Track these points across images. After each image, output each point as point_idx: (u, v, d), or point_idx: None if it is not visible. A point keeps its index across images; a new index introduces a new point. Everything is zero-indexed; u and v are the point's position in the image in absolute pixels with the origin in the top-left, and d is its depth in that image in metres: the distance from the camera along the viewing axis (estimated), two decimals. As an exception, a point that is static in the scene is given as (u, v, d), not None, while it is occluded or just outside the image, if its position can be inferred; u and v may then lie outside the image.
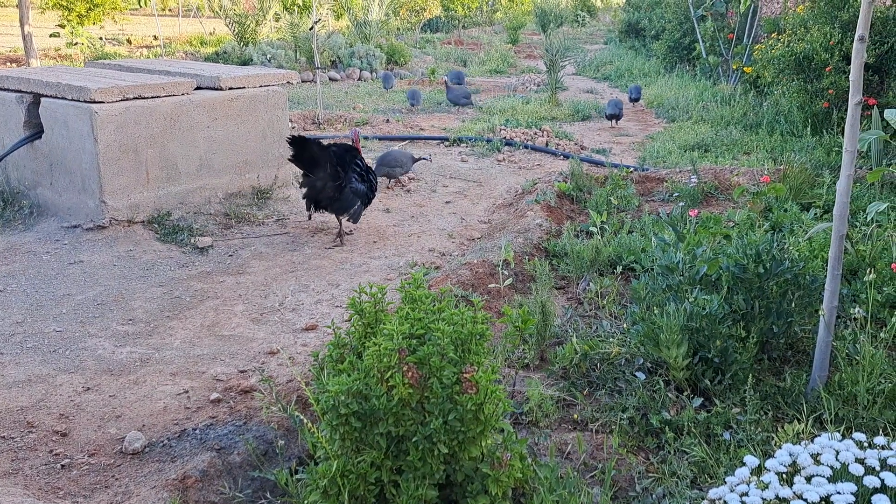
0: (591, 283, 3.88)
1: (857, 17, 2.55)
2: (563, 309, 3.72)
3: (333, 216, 4.97)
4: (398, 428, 1.95)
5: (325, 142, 4.95)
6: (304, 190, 4.84)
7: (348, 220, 4.90)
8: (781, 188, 4.65)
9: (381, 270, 4.42)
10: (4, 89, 4.96)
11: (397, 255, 4.74)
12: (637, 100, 9.98)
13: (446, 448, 1.93)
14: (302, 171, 4.79)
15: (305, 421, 1.91)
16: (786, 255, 3.12)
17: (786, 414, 2.71)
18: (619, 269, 4.06)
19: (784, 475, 1.94)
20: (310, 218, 5.26)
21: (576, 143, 7.88)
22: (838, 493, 1.78)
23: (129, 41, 15.80)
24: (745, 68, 9.43)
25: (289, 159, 4.77)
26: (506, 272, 3.97)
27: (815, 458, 1.95)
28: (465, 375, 1.99)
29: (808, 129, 7.09)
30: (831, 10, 6.97)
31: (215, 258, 4.45)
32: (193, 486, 2.19)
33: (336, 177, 4.68)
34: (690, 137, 7.74)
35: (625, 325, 3.41)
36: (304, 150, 4.67)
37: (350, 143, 5.21)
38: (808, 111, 7.21)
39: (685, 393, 2.82)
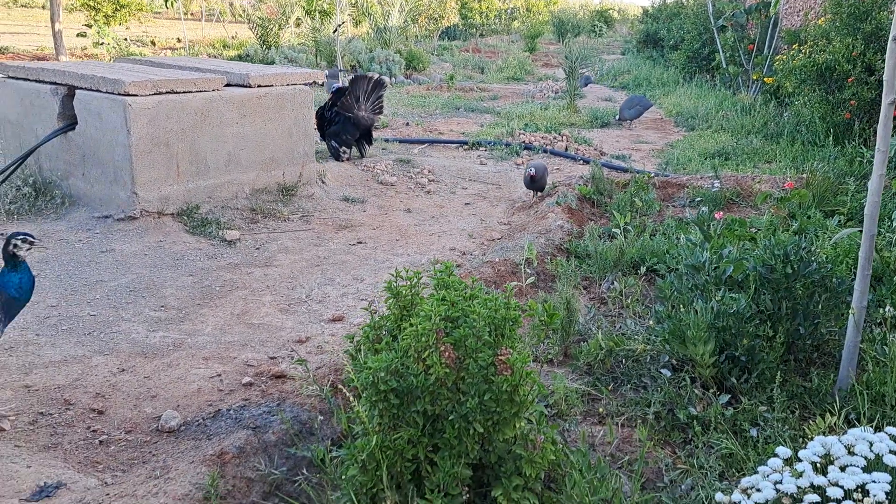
0: (615, 283, 3.91)
1: (880, 30, 2.59)
2: (586, 308, 3.75)
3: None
4: (434, 406, 1.99)
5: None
6: (347, 131, 6.51)
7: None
8: (806, 194, 4.66)
9: (404, 267, 4.46)
10: (40, 81, 5.06)
11: (419, 253, 4.78)
12: (588, 83, 10.51)
13: (482, 427, 1.96)
14: (345, 111, 6.50)
15: (348, 395, 1.95)
16: (813, 258, 3.13)
17: (812, 413, 2.72)
18: (643, 270, 4.09)
19: (817, 465, 1.96)
20: (362, 155, 6.78)
21: (595, 149, 7.91)
22: (874, 481, 1.80)
23: (153, 43, 16.02)
24: (765, 78, 9.44)
25: (341, 101, 6.49)
26: (528, 271, 4.00)
27: (849, 448, 1.97)
28: (500, 358, 2.02)
29: (830, 139, 7.09)
30: (854, 22, 6.99)
31: (243, 251, 4.52)
32: (231, 462, 2.24)
33: (374, 110, 6.64)
34: (710, 145, 7.75)
35: (649, 324, 3.44)
36: (356, 87, 6.52)
37: None
38: (830, 121, 7.22)
39: (711, 390, 2.84)
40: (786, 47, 9.09)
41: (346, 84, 6.79)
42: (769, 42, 10.30)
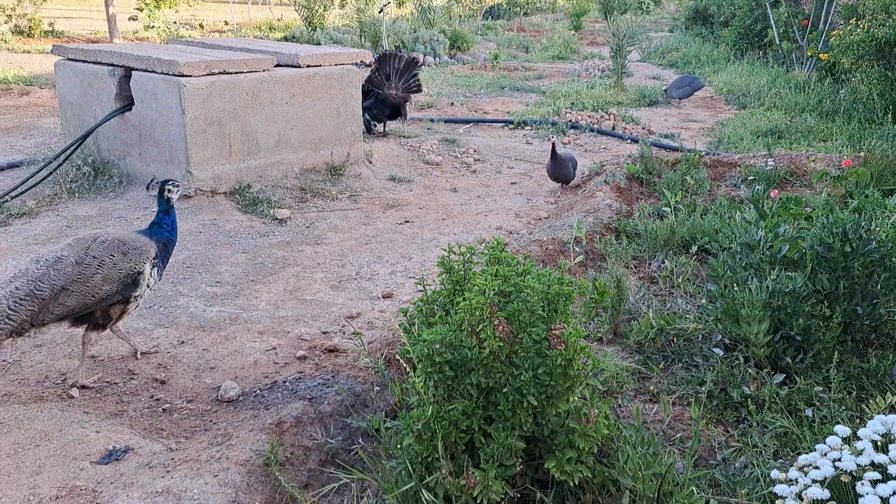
0: (665, 262, 3.87)
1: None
2: (636, 287, 3.72)
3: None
4: (488, 379, 2.01)
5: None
6: (377, 107, 6.67)
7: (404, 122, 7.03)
8: (864, 172, 4.52)
9: (456, 244, 4.49)
10: (97, 63, 5.21)
11: (465, 232, 4.80)
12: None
13: (535, 400, 1.98)
14: (375, 88, 6.67)
15: (404, 367, 1.99)
16: (873, 236, 3.05)
17: (870, 394, 2.67)
18: (694, 249, 4.04)
19: (877, 444, 1.92)
20: (384, 132, 6.86)
21: (643, 128, 7.80)
22: (937, 460, 1.76)
23: (201, 26, 16.29)
24: (820, 55, 9.13)
25: (370, 77, 6.57)
26: (577, 249, 3.99)
27: (911, 427, 1.93)
28: (554, 332, 2.03)
29: (889, 116, 6.85)
30: (917, -6, 6.71)
31: (293, 229, 4.60)
32: (289, 431, 2.31)
33: (407, 89, 6.77)
34: (763, 124, 7.56)
35: (701, 303, 3.40)
36: (384, 65, 6.69)
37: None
38: (889, 98, 6.97)
39: (765, 370, 2.80)
40: (842, 22, 8.77)
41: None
42: (825, 17, 9.94)
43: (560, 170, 5.59)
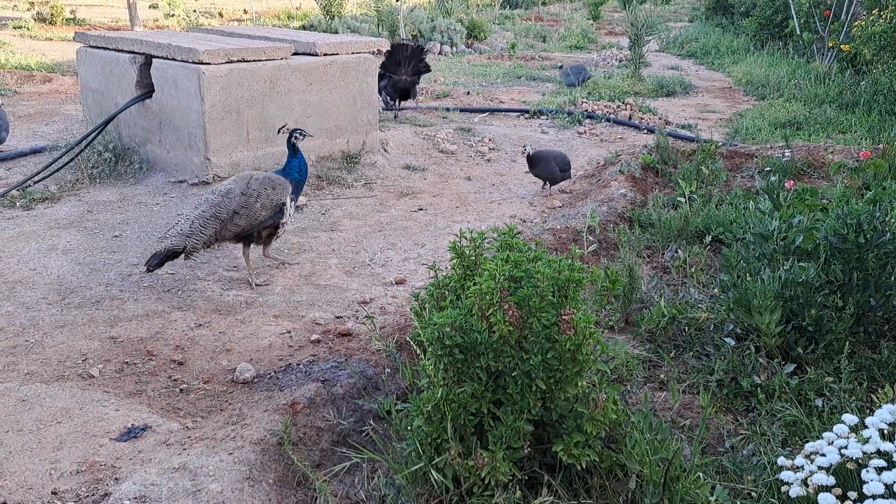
0: (679, 251, 3.87)
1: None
2: (648, 276, 3.73)
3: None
4: (498, 363, 2.04)
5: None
6: (389, 89, 7.49)
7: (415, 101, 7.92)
8: (882, 164, 4.49)
9: (468, 229, 4.51)
10: (118, 50, 5.27)
11: (479, 220, 4.83)
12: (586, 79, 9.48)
13: (544, 384, 2.01)
14: (388, 72, 7.43)
15: (416, 350, 2.02)
16: (888, 228, 3.03)
17: (882, 386, 2.67)
18: (708, 239, 4.03)
19: (884, 432, 1.93)
20: (389, 108, 7.57)
21: (660, 118, 7.76)
22: (943, 449, 1.77)
23: (220, 14, 16.39)
24: (842, 46, 9.02)
25: (382, 62, 7.16)
26: (590, 238, 3.99)
27: (919, 417, 1.93)
28: (563, 317, 2.06)
29: (911, 108, 6.77)
30: (942, -16, 6.61)
31: (309, 216, 4.65)
32: (302, 412, 2.36)
33: (416, 72, 7.61)
34: (782, 115, 7.49)
35: (714, 293, 3.40)
36: (395, 54, 7.46)
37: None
38: (912, 90, 6.89)
39: (776, 360, 2.81)
40: (865, 13, 8.65)
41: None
42: (847, 7, 9.81)
43: (539, 168, 5.41)
